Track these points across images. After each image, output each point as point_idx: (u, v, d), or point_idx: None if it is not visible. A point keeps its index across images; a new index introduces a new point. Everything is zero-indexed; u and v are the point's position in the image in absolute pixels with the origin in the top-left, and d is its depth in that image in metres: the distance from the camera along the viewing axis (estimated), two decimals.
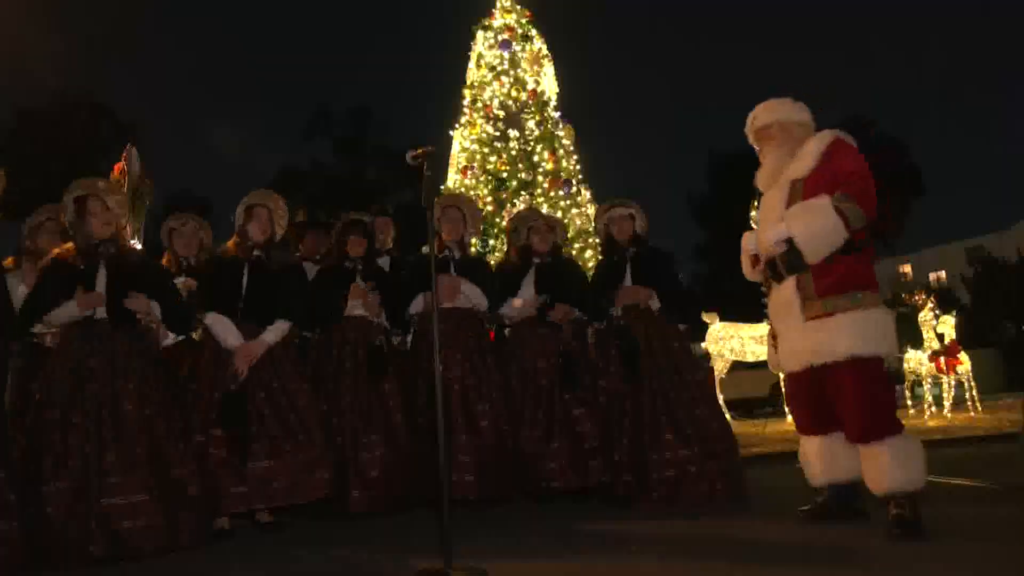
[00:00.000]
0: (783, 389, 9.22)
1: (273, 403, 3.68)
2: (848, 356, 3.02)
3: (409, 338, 4.60)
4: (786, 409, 9.29)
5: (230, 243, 3.98)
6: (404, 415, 4.11)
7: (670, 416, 4.02)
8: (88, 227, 3.52)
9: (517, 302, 4.34)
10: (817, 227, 3.05)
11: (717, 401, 4.31)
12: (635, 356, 4.14)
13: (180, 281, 4.06)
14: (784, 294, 3.25)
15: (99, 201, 3.56)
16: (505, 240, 7.78)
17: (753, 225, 3.61)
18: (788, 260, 3.18)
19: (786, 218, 3.15)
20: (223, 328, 3.73)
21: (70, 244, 3.59)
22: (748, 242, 3.52)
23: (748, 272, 3.61)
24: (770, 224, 3.23)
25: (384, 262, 4.67)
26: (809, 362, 3.14)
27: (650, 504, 3.90)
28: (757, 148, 3.56)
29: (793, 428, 8.25)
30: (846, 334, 3.04)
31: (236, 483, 3.50)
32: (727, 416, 9.45)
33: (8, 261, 4.05)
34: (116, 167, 5.53)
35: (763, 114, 3.50)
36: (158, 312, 3.65)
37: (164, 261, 4.30)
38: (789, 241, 3.15)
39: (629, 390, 4.14)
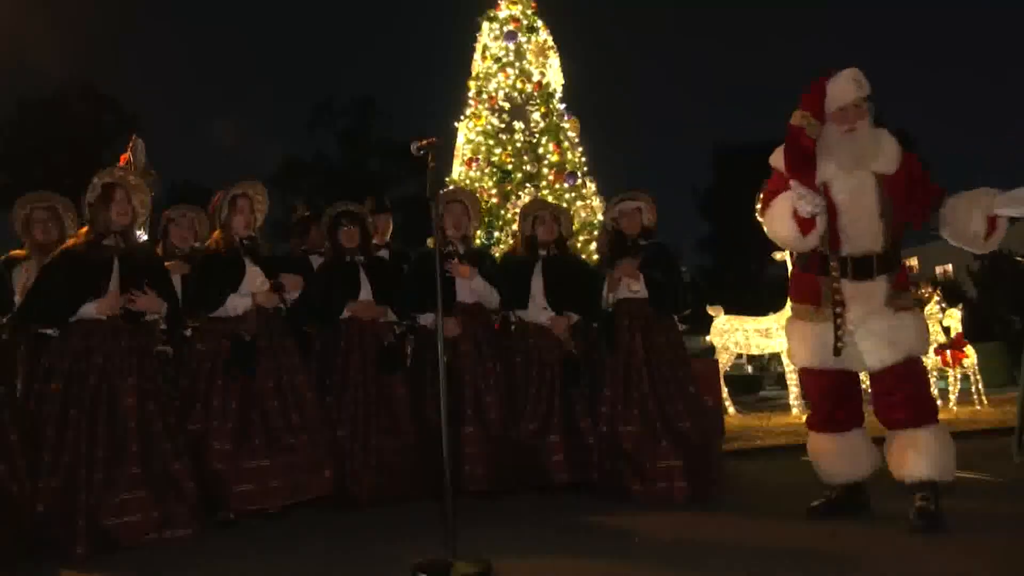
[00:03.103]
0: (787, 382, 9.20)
1: (280, 398, 3.69)
2: (935, 346, 3.26)
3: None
4: (793, 403, 9.29)
5: (215, 236, 3.95)
6: (409, 408, 4.12)
7: (640, 408, 4.01)
8: (107, 213, 3.55)
9: (543, 317, 4.33)
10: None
11: (699, 400, 4.25)
12: (611, 331, 4.19)
13: (169, 264, 4.07)
14: (871, 291, 3.19)
15: (124, 192, 3.61)
16: (510, 232, 7.79)
17: (760, 218, 3.55)
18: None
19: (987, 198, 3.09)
20: (239, 299, 3.75)
21: (84, 230, 3.61)
22: (808, 202, 3.09)
23: (795, 238, 3.24)
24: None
25: (384, 255, 4.66)
26: (913, 352, 3.16)
27: (626, 494, 3.90)
28: (839, 108, 3.21)
29: (796, 421, 8.27)
30: (927, 327, 3.27)
31: (238, 482, 3.49)
32: (730, 410, 9.52)
33: (20, 252, 4.05)
34: (122, 158, 5.53)
35: (866, 84, 3.27)
36: (165, 310, 3.67)
37: (158, 250, 4.29)
38: (887, 249, 3.20)
39: (611, 378, 4.14)
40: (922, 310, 9.76)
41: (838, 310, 3.18)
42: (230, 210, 3.91)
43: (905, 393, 3.12)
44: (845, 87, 3.21)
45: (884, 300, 3.18)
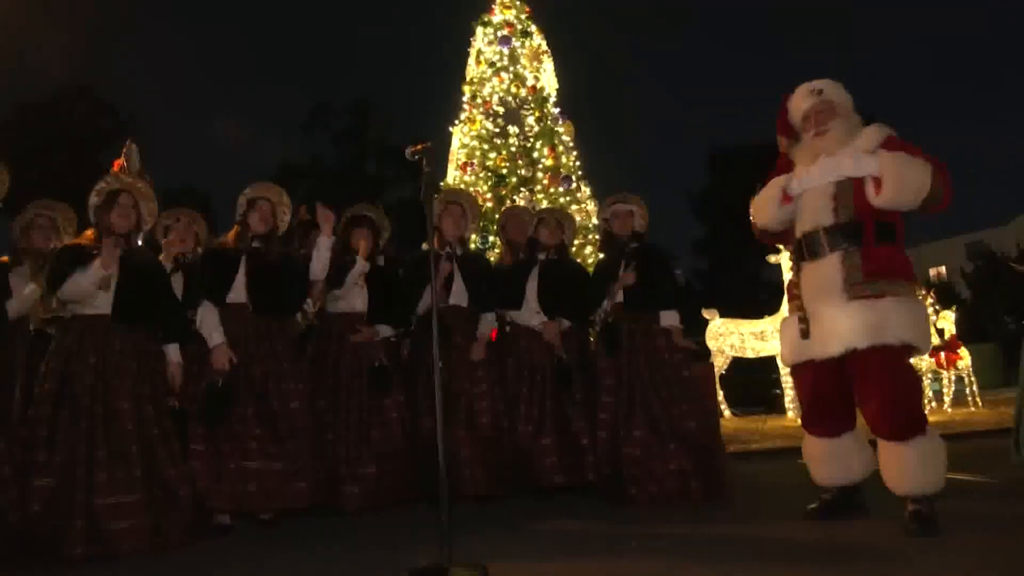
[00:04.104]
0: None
1: (264, 405, 3.65)
2: (900, 342, 2.96)
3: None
4: (788, 406, 9.30)
5: (230, 234, 3.98)
6: (403, 411, 4.12)
7: (645, 412, 4.01)
8: (109, 216, 3.56)
9: (536, 321, 4.33)
10: (905, 162, 2.99)
11: (702, 401, 4.24)
12: (615, 340, 4.16)
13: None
14: (824, 271, 3.12)
15: (130, 197, 3.62)
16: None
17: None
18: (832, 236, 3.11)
19: (879, 155, 3.02)
20: (210, 324, 3.73)
21: (89, 232, 3.61)
22: (791, 184, 3.27)
23: (770, 213, 3.36)
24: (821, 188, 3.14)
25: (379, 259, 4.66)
26: (853, 344, 2.97)
27: (633, 499, 3.89)
28: (803, 118, 3.39)
29: (792, 424, 8.28)
30: (900, 319, 2.96)
31: (215, 482, 3.48)
32: (726, 413, 9.53)
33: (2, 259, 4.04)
34: (116, 163, 5.52)
35: (831, 89, 3.38)
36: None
37: (162, 258, 4.28)
38: (840, 223, 3.09)
39: (611, 384, 4.14)
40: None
41: (795, 291, 3.27)
42: (248, 208, 3.93)
43: (883, 400, 2.98)
44: (799, 99, 3.45)
45: (840, 284, 3.06)
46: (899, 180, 2.98)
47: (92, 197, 3.62)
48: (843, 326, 3.01)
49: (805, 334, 3.18)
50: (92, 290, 3.40)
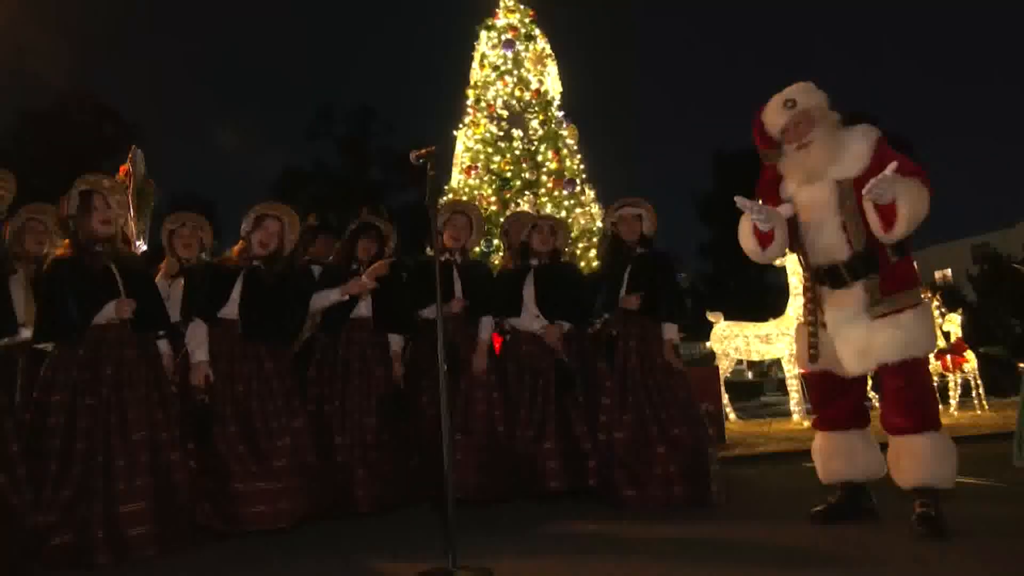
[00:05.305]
0: (793, 384, 9.20)
1: (248, 425, 3.57)
2: (924, 352, 3.14)
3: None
4: (794, 409, 9.28)
5: (234, 250, 3.91)
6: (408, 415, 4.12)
7: (637, 416, 4.01)
8: (89, 223, 3.48)
9: (536, 325, 4.32)
10: (918, 198, 3.00)
11: (694, 406, 4.21)
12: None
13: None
14: (848, 300, 3.21)
15: (102, 198, 3.53)
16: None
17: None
18: (853, 266, 3.18)
19: (896, 182, 2.95)
20: (196, 340, 3.66)
21: (67, 241, 3.54)
22: (755, 213, 3.25)
23: (756, 252, 3.42)
24: (820, 218, 3.21)
25: None
26: (885, 360, 3.10)
27: (626, 502, 3.89)
28: (781, 131, 3.39)
29: (798, 427, 8.27)
30: (922, 330, 3.12)
31: (201, 500, 3.45)
32: (731, 416, 9.51)
33: None
34: (121, 169, 5.55)
35: (803, 96, 3.37)
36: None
37: (165, 264, 4.27)
38: (857, 254, 3.16)
39: (610, 387, 4.14)
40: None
41: (810, 318, 3.34)
42: (254, 226, 3.85)
43: (906, 401, 3.11)
44: (773, 115, 3.43)
45: (863, 307, 3.17)
46: (914, 215, 3.00)
47: (67, 205, 3.53)
48: (873, 344, 3.13)
49: (814, 359, 3.33)
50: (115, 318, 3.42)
